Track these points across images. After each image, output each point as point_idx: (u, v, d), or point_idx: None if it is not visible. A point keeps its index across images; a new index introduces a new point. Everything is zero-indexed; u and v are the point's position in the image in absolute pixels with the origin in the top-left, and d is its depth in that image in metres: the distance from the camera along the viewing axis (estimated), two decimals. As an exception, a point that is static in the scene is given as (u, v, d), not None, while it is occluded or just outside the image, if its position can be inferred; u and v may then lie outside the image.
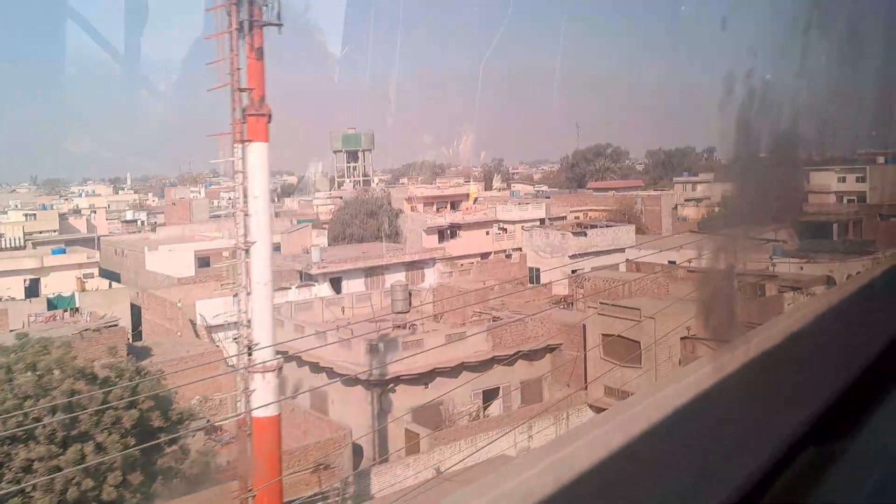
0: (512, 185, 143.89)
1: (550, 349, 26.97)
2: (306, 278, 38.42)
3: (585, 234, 39.36)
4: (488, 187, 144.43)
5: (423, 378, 23.85)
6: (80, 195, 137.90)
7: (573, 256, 37.37)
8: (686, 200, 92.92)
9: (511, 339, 26.08)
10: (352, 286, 39.15)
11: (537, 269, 38.50)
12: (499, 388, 25.91)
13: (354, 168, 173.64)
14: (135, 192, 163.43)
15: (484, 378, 25.46)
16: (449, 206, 63.66)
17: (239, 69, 14.79)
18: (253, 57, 14.85)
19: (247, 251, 15.33)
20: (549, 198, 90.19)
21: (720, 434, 1.49)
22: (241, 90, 14.85)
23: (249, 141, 15.12)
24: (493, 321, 27.57)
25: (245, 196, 15.43)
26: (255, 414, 14.47)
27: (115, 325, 31.62)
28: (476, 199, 73.39)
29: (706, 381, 1.67)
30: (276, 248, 44.87)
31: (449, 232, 61.97)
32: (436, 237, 59.59)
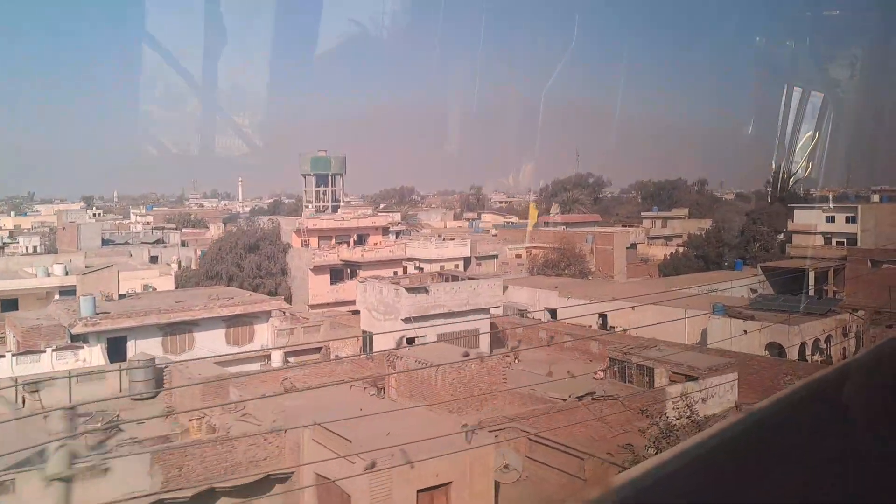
0: (482, 215, 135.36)
1: (281, 478, 17.94)
2: (75, 338, 29.64)
3: (426, 291, 30.31)
4: (458, 217, 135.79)
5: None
6: (25, 214, 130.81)
7: (407, 320, 28.42)
8: (651, 238, 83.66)
9: (206, 465, 17.08)
10: (143, 348, 30.32)
11: (371, 335, 29.56)
12: (180, 542, 16.83)
13: (324, 193, 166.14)
14: (99, 211, 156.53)
15: (152, 528, 16.41)
16: (353, 240, 54.90)
17: None
18: None
19: None
20: (482, 232, 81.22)
21: None
22: None
23: None
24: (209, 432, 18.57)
25: None
26: None
27: None
28: (388, 232, 64.61)
29: None
30: (70, 291, 36.19)
31: (348, 271, 53.25)
32: (327, 277, 50.89)
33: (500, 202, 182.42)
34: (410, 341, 26.86)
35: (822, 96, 52.61)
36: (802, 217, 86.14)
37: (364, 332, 30.58)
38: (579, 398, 20.98)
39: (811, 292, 63.79)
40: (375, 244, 55.38)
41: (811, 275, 63.68)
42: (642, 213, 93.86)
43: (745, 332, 40.46)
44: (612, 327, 50.49)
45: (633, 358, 25.99)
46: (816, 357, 40.68)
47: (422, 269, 57.54)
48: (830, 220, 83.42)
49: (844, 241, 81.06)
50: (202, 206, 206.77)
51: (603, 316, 50.66)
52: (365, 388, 24.38)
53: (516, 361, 29.67)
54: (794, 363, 36.07)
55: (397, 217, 66.58)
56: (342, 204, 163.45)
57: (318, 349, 34.60)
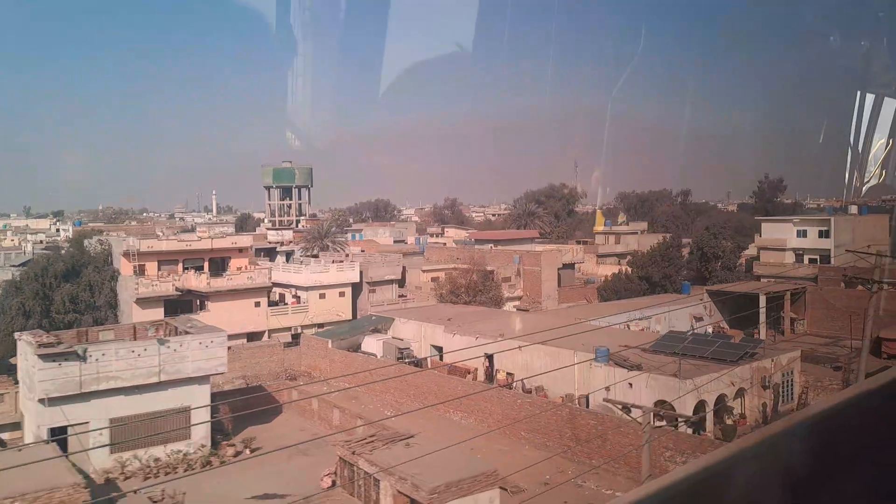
0: (446, 230, 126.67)
1: None
2: None
3: (80, 358, 21.62)
4: (421, 231, 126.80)
5: None
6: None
7: (43, 402, 19.99)
8: (600, 256, 74.71)
9: None
10: None
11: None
12: None
13: (288, 206, 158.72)
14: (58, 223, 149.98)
15: None
16: (207, 264, 46.65)
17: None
18: None
19: None
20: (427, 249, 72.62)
21: None
22: None
23: None
24: None
25: None
26: None
27: None
28: (276, 253, 56.25)
29: None
30: None
31: (198, 302, 45.06)
32: (160, 311, 42.67)
33: (494, 215, 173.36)
34: (59, 432, 18.52)
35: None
36: (771, 231, 77.08)
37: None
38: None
39: (763, 320, 54.81)
40: (239, 269, 47.11)
41: (763, 299, 54.45)
42: (595, 228, 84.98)
43: (631, 385, 31.81)
44: (497, 371, 41.98)
45: (361, 461, 17.42)
46: (729, 420, 31.79)
47: (298, 297, 49.34)
48: (802, 234, 74.25)
49: (817, 258, 71.95)
50: (183, 219, 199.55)
51: (489, 357, 42.14)
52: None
53: (248, 452, 21.26)
54: (675, 434, 27.31)
55: (288, 235, 58.15)
56: (307, 217, 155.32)
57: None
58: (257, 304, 46.10)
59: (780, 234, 75.69)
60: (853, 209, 79.89)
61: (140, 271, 43.47)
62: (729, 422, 31.64)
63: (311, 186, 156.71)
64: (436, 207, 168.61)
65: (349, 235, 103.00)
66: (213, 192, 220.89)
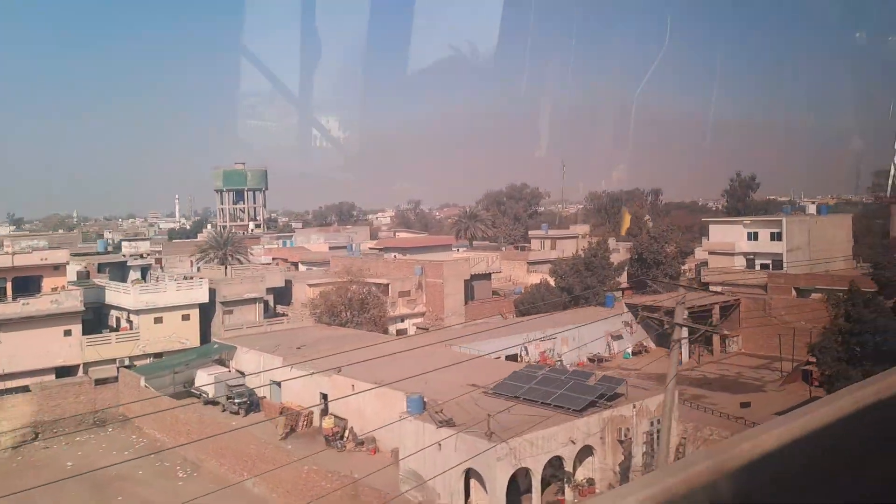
0: (397, 234, 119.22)
1: None
2: None
3: None
4: (374, 237, 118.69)
5: None
6: None
7: None
8: (531, 263, 67.07)
9: None
10: None
11: None
12: None
13: (242, 210, 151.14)
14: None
15: None
16: (11, 285, 39.36)
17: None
18: None
19: None
20: (359, 256, 65.06)
21: None
22: None
23: None
24: None
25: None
26: None
27: None
28: (131, 268, 48.75)
29: None
30: None
31: (-8, 333, 37.71)
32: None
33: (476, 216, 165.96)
34: None
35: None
36: (720, 234, 69.57)
37: None
38: None
39: (685, 340, 47.48)
40: (54, 289, 39.80)
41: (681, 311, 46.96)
42: (530, 233, 77.54)
43: (440, 446, 24.42)
44: (327, 416, 34.58)
45: None
46: (569, 488, 24.34)
47: (131, 322, 42.04)
48: (753, 237, 66.73)
49: (769, 262, 64.50)
50: (153, 224, 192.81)
51: (324, 396, 34.82)
52: None
53: None
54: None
55: (145, 246, 50.77)
56: (260, 221, 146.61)
57: None
58: (68, 333, 38.80)
59: (730, 237, 68.28)
60: (811, 209, 72.37)
61: None
62: (569, 492, 24.23)
63: (266, 189, 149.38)
64: (398, 210, 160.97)
65: (280, 242, 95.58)
66: (176, 197, 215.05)
